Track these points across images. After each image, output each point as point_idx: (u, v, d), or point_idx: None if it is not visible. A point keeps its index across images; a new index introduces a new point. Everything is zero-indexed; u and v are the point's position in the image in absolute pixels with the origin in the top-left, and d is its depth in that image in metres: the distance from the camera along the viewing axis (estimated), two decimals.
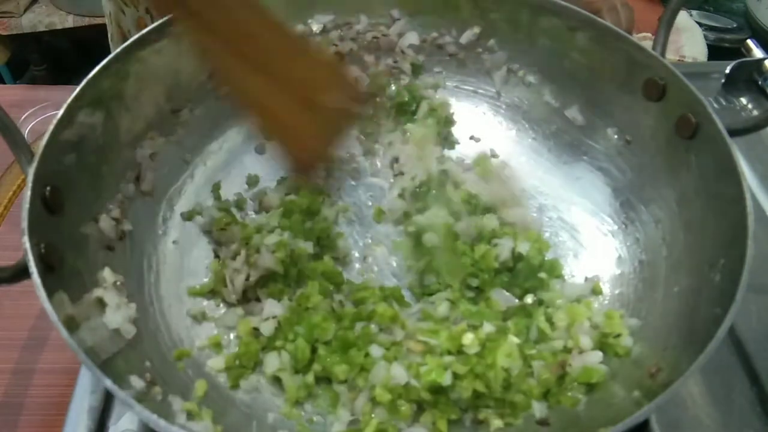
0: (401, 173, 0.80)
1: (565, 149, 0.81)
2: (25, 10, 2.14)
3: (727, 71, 0.99)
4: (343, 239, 0.75)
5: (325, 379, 0.64)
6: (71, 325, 0.52)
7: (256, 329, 0.65)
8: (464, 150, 0.84)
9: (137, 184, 0.70)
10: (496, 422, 0.60)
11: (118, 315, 0.59)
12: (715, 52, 1.56)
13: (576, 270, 0.74)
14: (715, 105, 0.97)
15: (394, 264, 0.75)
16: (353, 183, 0.82)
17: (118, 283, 0.62)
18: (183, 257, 0.71)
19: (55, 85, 1.08)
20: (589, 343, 0.64)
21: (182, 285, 0.69)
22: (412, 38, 0.83)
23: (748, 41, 1.04)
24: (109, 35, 1.12)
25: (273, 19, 0.55)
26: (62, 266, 0.56)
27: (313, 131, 0.58)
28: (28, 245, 0.52)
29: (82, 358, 0.48)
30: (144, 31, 0.69)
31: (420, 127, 0.82)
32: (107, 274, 0.61)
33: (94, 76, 0.64)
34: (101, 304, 0.59)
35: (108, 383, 0.47)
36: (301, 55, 0.58)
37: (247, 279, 0.68)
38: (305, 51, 0.59)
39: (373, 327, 0.65)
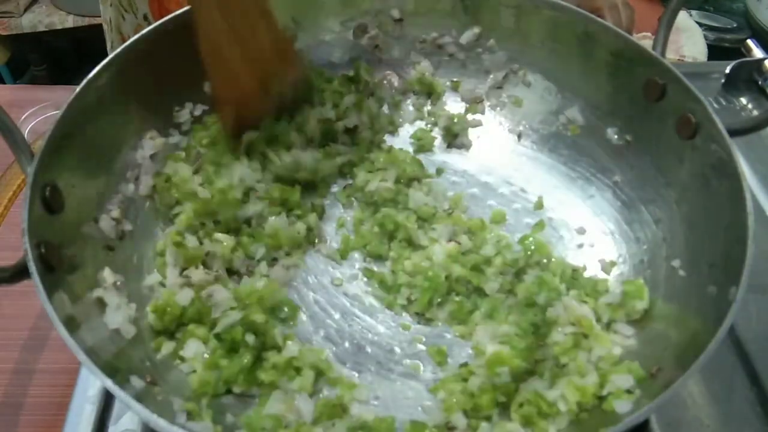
0: None
1: (565, 149, 0.81)
2: (25, 10, 2.14)
3: (727, 71, 0.99)
4: None
5: None
6: (71, 325, 0.52)
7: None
8: (464, 151, 0.84)
9: (137, 184, 0.70)
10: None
11: (118, 315, 0.59)
12: (715, 52, 1.56)
13: None
14: (715, 105, 0.97)
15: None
16: None
17: (118, 283, 0.62)
18: None
19: (55, 85, 1.08)
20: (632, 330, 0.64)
21: None
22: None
23: (748, 41, 1.05)
24: (108, 43, 1.10)
25: None
26: (62, 266, 0.56)
27: (246, 80, 0.72)
28: (28, 245, 0.52)
29: (82, 358, 0.48)
30: (143, 31, 0.69)
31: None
32: (107, 274, 0.61)
33: (94, 76, 0.64)
34: (101, 304, 0.59)
35: (108, 383, 0.47)
36: (265, 21, 0.70)
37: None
38: (269, 20, 0.71)
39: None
